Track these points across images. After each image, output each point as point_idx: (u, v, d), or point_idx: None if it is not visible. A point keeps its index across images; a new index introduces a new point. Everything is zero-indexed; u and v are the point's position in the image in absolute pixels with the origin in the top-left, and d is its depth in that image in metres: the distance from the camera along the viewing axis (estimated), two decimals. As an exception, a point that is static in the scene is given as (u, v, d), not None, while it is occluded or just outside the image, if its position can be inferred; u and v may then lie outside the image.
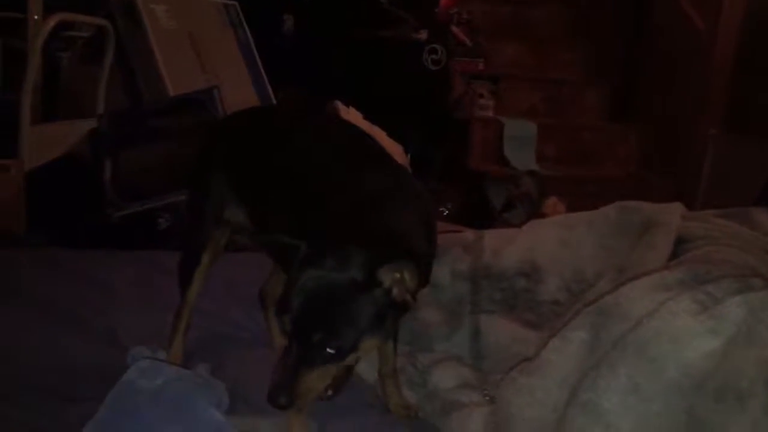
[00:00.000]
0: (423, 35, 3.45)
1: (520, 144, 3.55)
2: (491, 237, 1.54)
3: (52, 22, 2.55)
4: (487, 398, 1.11)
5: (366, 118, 2.88)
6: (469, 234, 1.60)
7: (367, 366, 1.27)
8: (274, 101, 3.10)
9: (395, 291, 0.96)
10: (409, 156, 3.03)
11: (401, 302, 0.97)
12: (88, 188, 2.39)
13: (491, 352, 1.31)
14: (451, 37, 3.72)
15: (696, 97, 3.32)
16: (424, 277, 1.03)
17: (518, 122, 3.61)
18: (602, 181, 3.49)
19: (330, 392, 1.17)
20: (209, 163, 1.36)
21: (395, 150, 2.97)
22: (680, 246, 1.30)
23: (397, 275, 0.96)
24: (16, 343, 1.39)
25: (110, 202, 2.33)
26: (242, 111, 1.49)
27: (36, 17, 2.75)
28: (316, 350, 0.96)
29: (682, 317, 0.85)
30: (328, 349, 0.96)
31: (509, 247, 1.47)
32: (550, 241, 1.45)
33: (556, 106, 3.89)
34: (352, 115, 2.81)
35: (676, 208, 1.41)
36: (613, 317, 0.93)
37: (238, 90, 2.93)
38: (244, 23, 3.14)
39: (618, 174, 3.67)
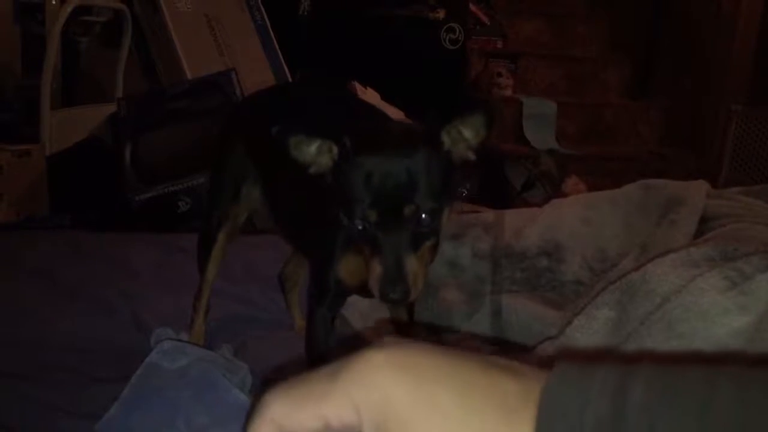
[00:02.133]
0: (440, 14, 3.42)
1: (540, 123, 3.52)
2: (512, 217, 1.52)
3: (69, 7, 2.56)
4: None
5: (383, 98, 2.87)
6: (489, 214, 1.59)
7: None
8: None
9: (458, 148, 0.93)
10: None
11: (464, 160, 0.94)
12: (108, 172, 2.40)
13: (513, 331, 1.30)
14: (469, 15, 3.68)
15: (718, 72, 3.28)
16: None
17: (537, 101, 3.58)
18: (623, 160, 3.46)
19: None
20: (228, 140, 1.36)
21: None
22: (705, 224, 1.28)
23: (455, 132, 0.92)
24: (39, 324, 1.40)
25: (131, 186, 2.34)
26: (263, 89, 1.49)
27: (54, 2, 2.76)
28: (409, 227, 0.90)
29: (711, 294, 0.83)
30: (421, 223, 0.90)
31: (530, 226, 1.46)
32: (572, 220, 1.43)
33: (576, 84, 3.85)
34: (369, 95, 2.80)
35: (701, 185, 1.39)
36: (640, 294, 0.91)
37: (256, 72, 2.93)
38: (261, 5, 3.14)
39: (639, 152, 3.63)
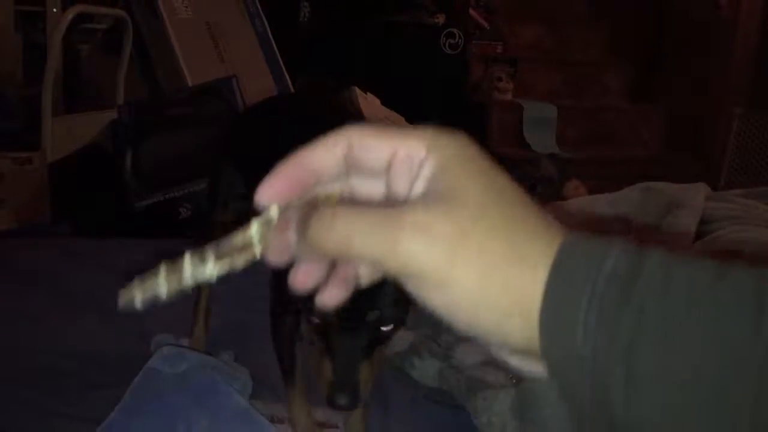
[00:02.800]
0: (440, 19, 3.43)
1: (540, 127, 3.53)
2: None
3: (70, 14, 2.57)
4: (513, 381, 1.11)
5: (384, 103, 2.87)
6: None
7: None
8: (292, 90, 3.10)
9: None
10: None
11: None
12: (109, 178, 2.41)
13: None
14: (469, 20, 3.69)
15: (719, 75, 3.28)
16: None
17: (538, 105, 3.58)
18: (624, 163, 3.46)
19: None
20: (221, 152, 1.38)
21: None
22: (705, 226, 1.28)
23: None
24: (39, 330, 1.40)
25: (131, 192, 2.35)
26: (261, 101, 1.49)
27: (54, 10, 2.77)
28: (368, 332, 0.85)
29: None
30: (381, 329, 0.85)
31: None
32: (572, 224, 1.43)
33: (577, 88, 3.86)
34: (369, 101, 2.80)
35: (700, 188, 1.39)
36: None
37: (256, 79, 2.94)
38: (261, 12, 3.15)
39: (641, 155, 3.63)
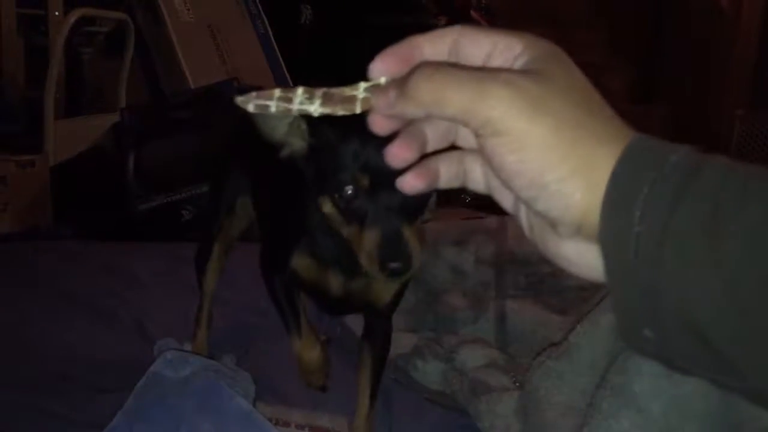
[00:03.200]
0: (441, 21, 3.43)
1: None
2: (515, 222, 1.52)
3: (72, 18, 2.57)
4: (517, 384, 1.11)
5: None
6: (492, 220, 1.59)
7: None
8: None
9: None
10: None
11: None
12: (112, 182, 2.41)
13: (517, 336, 1.30)
14: (470, 22, 3.69)
15: (720, 76, 3.27)
16: None
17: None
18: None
19: None
20: (225, 152, 1.38)
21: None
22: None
23: None
24: (41, 334, 1.40)
25: (134, 195, 2.34)
26: None
27: (57, 13, 2.77)
28: (401, 195, 0.72)
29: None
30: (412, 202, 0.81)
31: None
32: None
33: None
34: (372, 103, 2.80)
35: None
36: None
37: (258, 81, 2.93)
38: (263, 14, 3.14)
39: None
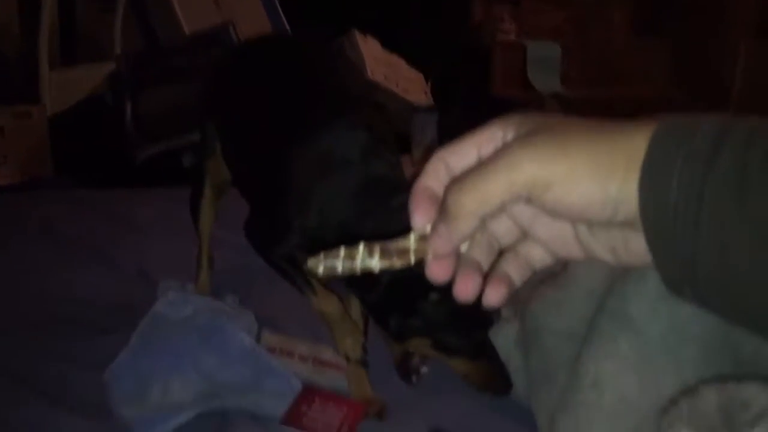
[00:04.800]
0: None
1: (544, 66, 3.47)
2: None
3: (63, -36, 2.53)
4: (516, 314, 1.11)
5: (384, 46, 2.83)
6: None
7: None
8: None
9: None
10: (430, 84, 2.98)
11: None
12: (111, 131, 2.39)
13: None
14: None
15: (725, 6, 3.20)
16: None
17: (541, 44, 3.52)
18: (631, 102, 3.41)
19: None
20: (205, 96, 1.37)
21: (416, 78, 2.92)
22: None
23: None
24: (48, 279, 1.41)
25: (133, 144, 2.33)
26: (244, 43, 1.49)
27: (48, -40, 2.72)
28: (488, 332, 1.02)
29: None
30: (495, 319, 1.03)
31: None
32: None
33: (581, 26, 3.78)
34: (370, 44, 2.76)
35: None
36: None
37: (254, 25, 2.89)
38: (258, -44, 3.08)
39: (647, 93, 3.57)
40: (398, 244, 0.48)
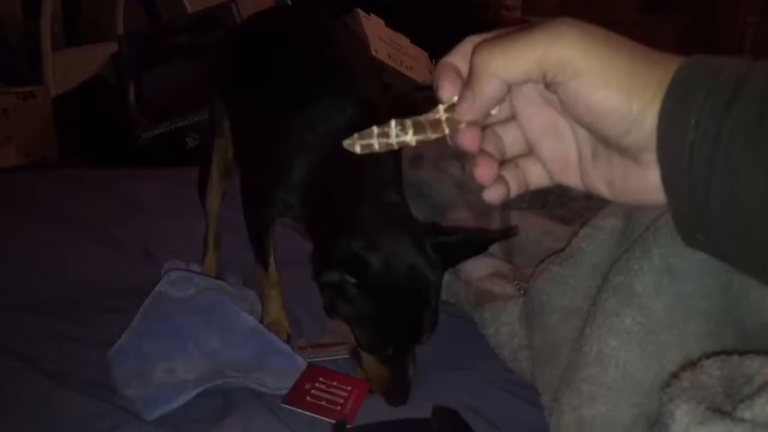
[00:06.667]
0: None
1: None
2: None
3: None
4: (521, 292, 1.10)
5: (388, 25, 2.81)
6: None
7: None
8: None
9: None
10: (434, 63, 2.95)
11: None
12: (115, 112, 2.39)
13: (522, 247, 1.29)
14: None
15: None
16: None
17: (547, 20, 3.48)
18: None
19: None
20: (214, 73, 1.37)
21: (420, 57, 2.90)
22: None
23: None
24: (53, 260, 1.41)
25: (137, 124, 2.33)
26: (251, 17, 1.48)
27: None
28: (415, 347, 0.99)
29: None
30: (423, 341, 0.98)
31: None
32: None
33: (587, 3, 3.74)
34: (373, 22, 2.74)
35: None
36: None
37: (257, 3, 2.86)
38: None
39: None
40: (429, 116, 0.48)
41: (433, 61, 2.94)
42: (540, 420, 0.88)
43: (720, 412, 0.52)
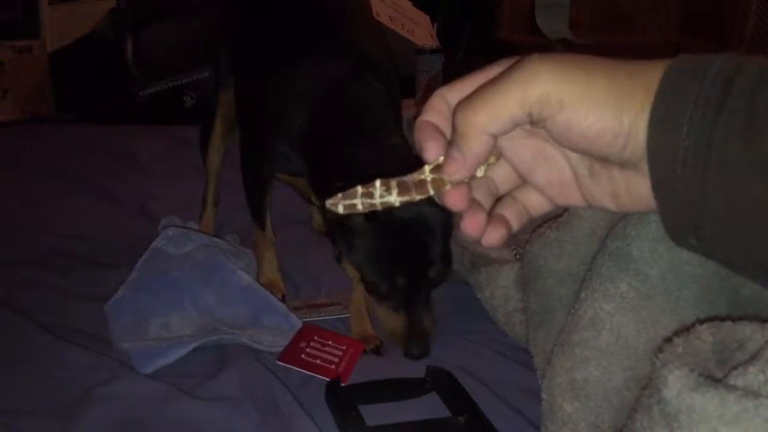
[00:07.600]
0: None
1: (553, 11, 3.40)
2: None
3: None
4: (517, 257, 1.10)
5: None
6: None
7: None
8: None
9: None
10: (436, 26, 2.92)
11: None
12: (112, 68, 2.36)
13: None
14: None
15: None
16: None
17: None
18: (640, 49, 3.35)
19: None
20: (221, 24, 1.37)
21: (422, 21, 2.87)
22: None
23: None
24: (49, 215, 1.42)
25: (134, 81, 2.30)
26: None
27: None
28: (429, 286, 0.99)
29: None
30: (438, 279, 0.99)
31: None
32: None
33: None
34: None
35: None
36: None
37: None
38: None
39: (657, 41, 3.51)
40: (414, 177, 0.48)
41: (435, 25, 2.92)
42: (533, 382, 0.89)
43: (712, 379, 0.53)
